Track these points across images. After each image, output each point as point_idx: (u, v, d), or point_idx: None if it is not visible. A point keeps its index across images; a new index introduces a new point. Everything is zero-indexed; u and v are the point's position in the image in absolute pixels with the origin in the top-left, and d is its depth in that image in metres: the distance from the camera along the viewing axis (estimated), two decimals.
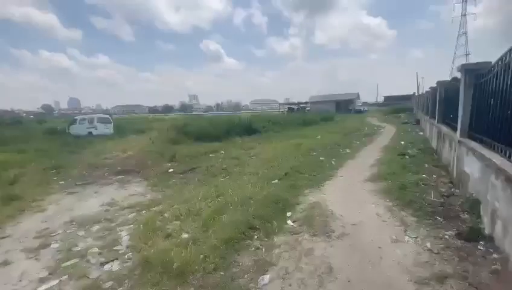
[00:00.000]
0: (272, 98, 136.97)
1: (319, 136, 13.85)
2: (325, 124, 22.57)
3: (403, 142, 9.95)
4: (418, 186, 4.47)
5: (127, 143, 14.89)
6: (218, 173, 7.60)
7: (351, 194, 4.70)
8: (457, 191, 4.24)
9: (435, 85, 11.31)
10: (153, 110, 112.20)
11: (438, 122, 7.89)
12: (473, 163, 3.56)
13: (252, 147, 11.67)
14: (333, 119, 27.24)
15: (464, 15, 61.60)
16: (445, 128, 6.29)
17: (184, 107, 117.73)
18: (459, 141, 4.46)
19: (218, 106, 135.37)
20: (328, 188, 5.13)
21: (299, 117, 22.68)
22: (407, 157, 7.36)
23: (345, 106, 46.22)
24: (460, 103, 4.53)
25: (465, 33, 62.04)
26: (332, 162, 7.79)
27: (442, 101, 7.65)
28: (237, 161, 9.01)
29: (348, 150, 9.86)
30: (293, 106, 52.52)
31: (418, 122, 18.57)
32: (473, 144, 3.77)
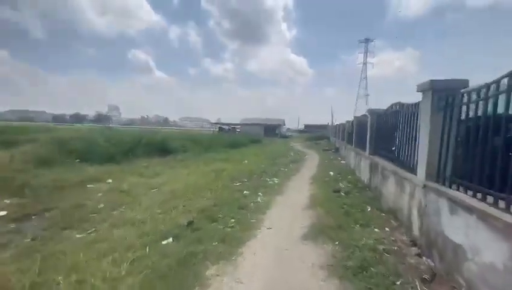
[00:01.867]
0: (204, 117, 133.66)
1: (246, 161, 12.19)
2: (254, 146, 21.51)
3: (331, 173, 9.12)
4: (382, 257, 2.93)
5: None
6: (81, 221, 4.67)
7: (287, 277, 2.77)
8: (432, 264, 2.85)
9: (349, 118, 11.44)
10: (59, 118, 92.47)
11: (369, 153, 7.19)
12: (475, 231, 2.18)
13: (159, 173, 8.91)
14: (261, 142, 26.76)
15: (365, 63, 75.41)
16: (386, 164, 5.32)
17: (100, 118, 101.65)
18: (425, 186, 3.21)
19: (144, 120, 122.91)
20: (249, 261, 3.09)
21: (227, 138, 20.93)
22: (342, 194, 6.19)
23: (272, 130, 47.68)
24: (422, 134, 3.37)
25: (365, 78, 75.63)
26: (259, 199, 5.96)
27: (374, 131, 7.00)
28: (126, 197, 6.18)
29: (275, 180, 8.34)
30: (224, 126, 51.27)
31: (337, 150, 19.40)
32: (461, 196, 2.44)
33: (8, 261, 3.11)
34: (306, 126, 70.89)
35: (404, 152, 4.42)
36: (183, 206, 5.49)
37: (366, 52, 75.28)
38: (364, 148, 8.06)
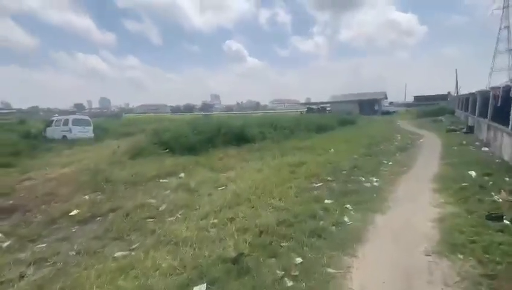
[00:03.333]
0: (293, 98, 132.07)
1: (332, 150, 9.99)
2: (344, 129, 18.38)
3: (472, 173, 5.85)
4: None
5: (90, 152, 12.03)
6: (134, 230, 4.20)
7: None
8: None
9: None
10: (176, 109, 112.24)
11: None
12: None
13: (230, 167, 8.13)
14: (355, 122, 22.79)
15: (506, 7, 52.85)
16: None
17: (205, 107, 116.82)
18: None
19: (239, 106, 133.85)
20: None
21: (312, 121, 18.66)
22: (507, 222, 3.43)
23: (370, 106, 40.85)
24: None
25: (508, 26, 53.30)
26: (346, 219, 4.06)
27: None
28: (189, 197, 5.55)
29: (374, 181, 6.04)
30: (313, 106, 48.27)
31: (470, 129, 13.93)
32: None
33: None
34: (416, 98, 57.60)
35: None
36: (243, 217, 4.32)
37: None
38: None
